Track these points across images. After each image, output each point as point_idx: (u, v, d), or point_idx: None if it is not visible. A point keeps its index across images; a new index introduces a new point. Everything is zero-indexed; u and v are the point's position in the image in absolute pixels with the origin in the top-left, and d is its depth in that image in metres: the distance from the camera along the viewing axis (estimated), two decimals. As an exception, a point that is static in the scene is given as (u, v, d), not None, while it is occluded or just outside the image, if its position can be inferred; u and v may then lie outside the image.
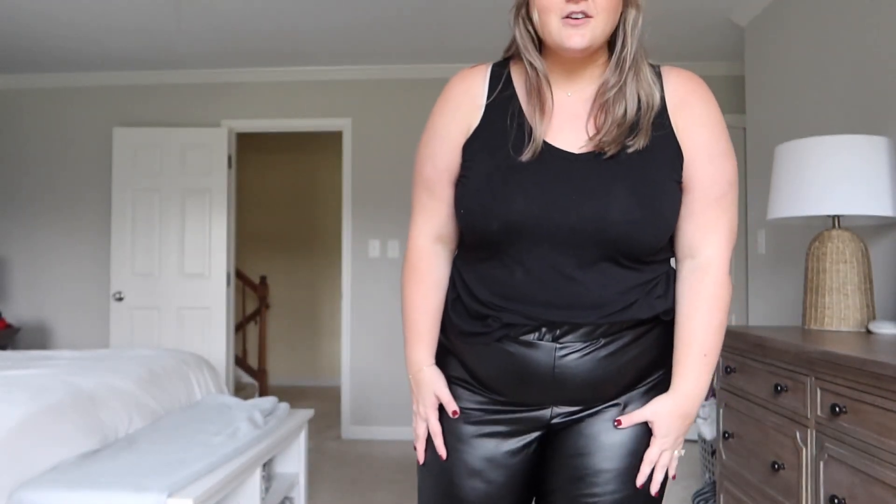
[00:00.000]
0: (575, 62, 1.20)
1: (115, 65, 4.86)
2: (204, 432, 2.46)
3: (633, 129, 1.17)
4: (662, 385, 1.25)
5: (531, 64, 1.19)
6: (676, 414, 1.21)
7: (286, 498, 2.95)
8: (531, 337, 1.19)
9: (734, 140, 4.82)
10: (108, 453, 2.15)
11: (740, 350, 2.42)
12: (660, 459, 1.21)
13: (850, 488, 1.74)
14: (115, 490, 1.84)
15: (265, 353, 6.48)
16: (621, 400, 1.25)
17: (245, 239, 6.90)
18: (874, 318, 2.32)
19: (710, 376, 1.22)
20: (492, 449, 1.27)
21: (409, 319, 1.33)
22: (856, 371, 1.71)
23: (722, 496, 2.58)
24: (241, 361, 6.20)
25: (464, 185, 1.22)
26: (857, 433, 1.71)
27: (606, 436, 1.23)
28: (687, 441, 4.82)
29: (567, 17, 1.12)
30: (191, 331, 4.82)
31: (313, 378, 7.17)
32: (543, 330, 1.19)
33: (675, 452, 1.23)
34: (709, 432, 3.38)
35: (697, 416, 3.42)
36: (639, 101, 1.19)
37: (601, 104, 1.19)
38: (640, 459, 1.22)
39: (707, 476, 3.52)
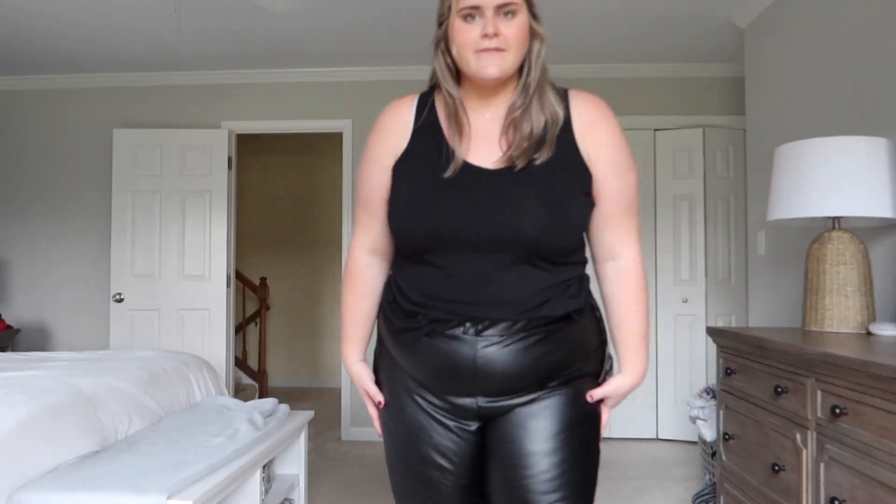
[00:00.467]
0: (489, 89, 1.37)
1: (116, 66, 4.87)
2: (204, 434, 2.45)
3: (539, 143, 1.33)
4: (581, 376, 1.42)
5: (449, 93, 1.37)
6: (628, 387, 1.46)
7: (286, 499, 2.95)
8: (456, 331, 1.33)
9: (735, 141, 4.82)
10: (107, 455, 2.15)
11: (740, 351, 2.42)
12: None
13: (851, 490, 1.73)
14: (114, 492, 1.84)
15: (265, 354, 6.48)
16: (542, 392, 1.38)
17: (245, 240, 6.89)
18: (874, 319, 2.32)
19: (648, 353, 1.46)
20: (437, 438, 1.41)
21: (344, 321, 1.54)
22: (856, 372, 1.71)
23: (722, 498, 2.58)
24: (241, 363, 6.20)
25: (394, 201, 1.39)
26: (858, 435, 1.71)
27: (533, 421, 1.37)
28: (687, 442, 4.84)
29: (482, 50, 1.30)
30: (191, 332, 4.82)
31: (313, 379, 7.16)
32: (467, 325, 1.33)
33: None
34: (709, 434, 3.38)
35: (698, 417, 3.42)
36: (545, 119, 1.35)
37: (510, 122, 1.35)
38: (565, 440, 1.38)
39: (707, 477, 3.52)
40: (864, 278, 2.31)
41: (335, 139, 5.38)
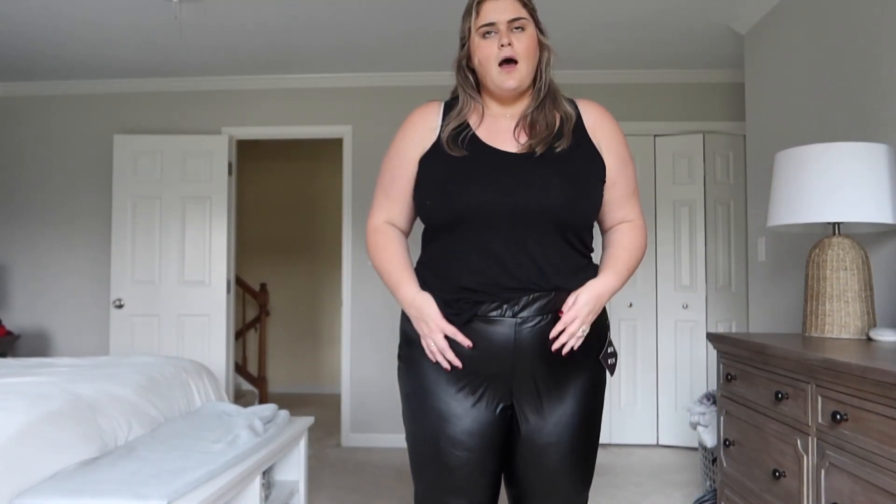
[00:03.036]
0: (508, 98, 1.62)
1: (116, 72, 4.88)
2: (204, 440, 2.45)
3: (558, 135, 1.57)
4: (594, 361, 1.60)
5: (472, 97, 1.62)
6: (593, 292, 1.52)
7: (286, 506, 2.94)
8: (495, 314, 1.50)
9: (735, 147, 4.83)
10: (107, 461, 2.15)
11: (741, 357, 2.42)
12: (571, 326, 1.49)
13: (852, 496, 1.73)
14: (114, 498, 1.83)
15: (265, 360, 6.47)
16: (564, 387, 1.56)
17: (245, 246, 6.90)
18: (875, 325, 2.32)
19: (623, 284, 1.59)
20: (469, 420, 1.53)
21: (389, 268, 1.61)
22: (857, 378, 1.70)
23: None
24: (240, 369, 6.19)
25: (427, 184, 1.58)
26: (859, 441, 1.71)
27: (556, 417, 1.56)
28: (688, 448, 4.83)
29: (502, 63, 1.54)
30: (191, 338, 4.82)
31: (313, 385, 7.16)
32: (505, 307, 1.50)
33: (582, 329, 1.51)
34: (710, 440, 3.37)
35: (698, 423, 3.41)
36: (559, 116, 1.60)
37: (526, 120, 1.60)
38: (581, 436, 1.58)
39: (708, 484, 3.51)
40: (865, 284, 2.31)
41: (335, 145, 5.39)
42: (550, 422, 1.56)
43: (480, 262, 1.51)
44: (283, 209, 7.21)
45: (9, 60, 4.59)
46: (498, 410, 1.56)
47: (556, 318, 1.51)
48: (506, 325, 1.50)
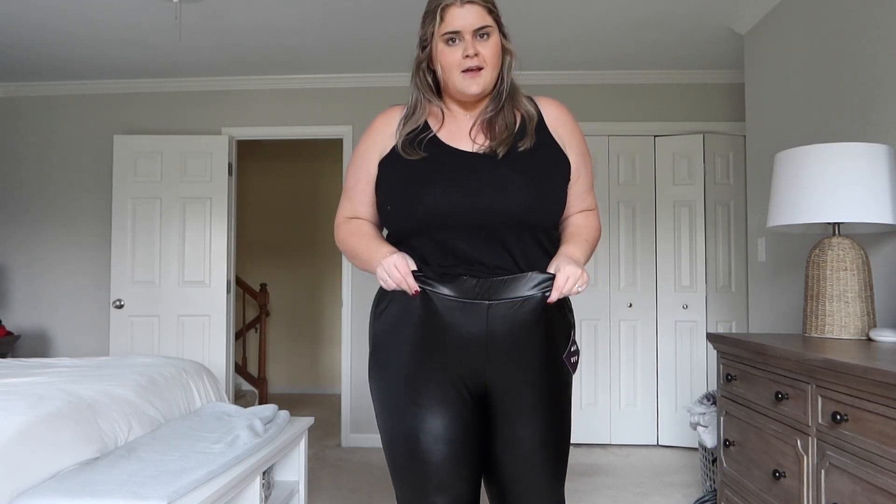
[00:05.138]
0: (470, 102, 1.61)
1: (116, 73, 4.88)
2: (204, 440, 2.45)
3: (521, 134, 1.57)
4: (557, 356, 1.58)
5: (428, 99, 1.61)
6: (564, 255, 1.54)
7: (286, 506, 2.94)
8: (468, 286, 1.49)
9: (735, 148, 4.83)
10: (107, 462, 2.15)
11: (741, 358, 2.42)
12: (566, 285, 1.48)
13: (852, 497, 1.73)
14: (114, 499, 1.83)
15: (265, 360, 6.47)
16: (537, 382, 1.54)
17: (245, 246, 6.90)
18: (875, 325, 2.32)
19: (585, 257, 1.61)
20: (446, 414, 1.52)
21: (362, 242, 1.61)
22: (857, 379, 1.70)
23: (723, 505, 2.57)
24: (241, 369, 6.19)
25: (387, 188, 1.58)
26: (859, 441, 1.71)
27: (532, 415, 1.54)
28: (688, 449, 4.83)
29: (465, 70, 1.53)
30: (191, 339, 4.82)
31: (313, 386, 7.15)
32: (476, 290, 1.49)
33: (577, 287, 1.50)
34: (710, 440, 3.37)
35: (698, 423, 3.41)
36: (520, 117, 1.60)
37: (483, 121, 1.60)
38: (556, 432, 1.57)
39: (708, 484, 3.51)
40: (865, 284, 2.31)
41: (335, 145, 5.38)
42: (527, 420, 1.54)
43: (447, 262, 1.51)
44: (283, 209, 7.20)
45: (9, 61, 4.59)
46: (472, 401, 1.55)
47: (525, 302, 1.50)
48: (478, 309, 1.48)
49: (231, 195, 4.94)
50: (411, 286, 1.48)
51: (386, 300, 1.59)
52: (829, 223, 2.39)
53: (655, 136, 4.91)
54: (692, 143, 4.84)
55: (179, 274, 4.84)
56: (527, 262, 1.52)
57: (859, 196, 2.24)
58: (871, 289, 2.33)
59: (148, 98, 5.08)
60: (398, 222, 1.56)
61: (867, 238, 2.69)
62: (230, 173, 4.93)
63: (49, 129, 5.12)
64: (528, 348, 1.52)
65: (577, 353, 1.62)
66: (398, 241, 1.58)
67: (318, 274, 7.17)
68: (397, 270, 1.47)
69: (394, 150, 1.59)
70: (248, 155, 6.66)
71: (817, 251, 2.38)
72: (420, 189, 1.50)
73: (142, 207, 4.85)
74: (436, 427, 1.51)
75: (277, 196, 7.21)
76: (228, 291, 4.89)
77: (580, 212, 1.68)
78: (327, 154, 6.81)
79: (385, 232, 1.66)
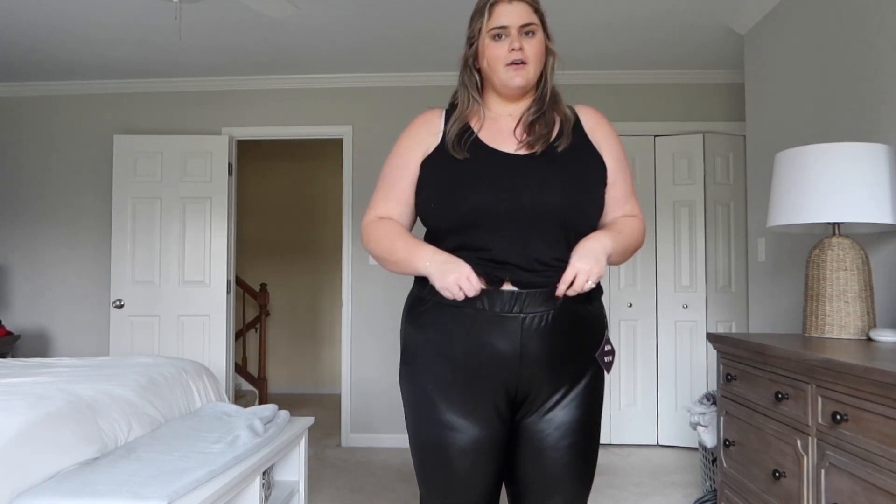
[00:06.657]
0: (512, 97, 1.64)
1: (116, 73, 4.88)
2: (204, 440, 2.45)
3: (559, 135, 1.60)
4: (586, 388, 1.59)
5: (474, 98, 1.65)
6: (582, 246, 1.51)
7: (286, 506, 2.94)
8: (502, 303, 1.49)
9: (735, 148, 4.83)
10: (107, 462, 2.15)
11: (741, 358, 2.42)
12: (577, 279, 1.48)
13: (852, 497, 1.73)
14: (114, 499, 1.83)
15: (265, 360, 6.47)
16: (566, 387, 1.56)
17: (245, 246, 6.90)
18: (875, 325, 2.32)
19: (614, 247, 1.56)
20: (476, 428, 1.54)
21: (399, 243, 1.58)
22: (857, 379, 1.70)
23: (723, 504, 2.57)
24: (241, 369, 6.19)
25: (431, 187, 1.58)
26: (859, 441, 1.71)
27: (558, 416, 1.56)
28: (688, 449, 4.83)
29: (510, 63, 1.57)
30: (191, 338, 4.82)
31: (313, 386, 7.15)
32: (513, 302, 1.49)
33: (589, 282, 1.49)
34: (710, 440, 3.37)
35: (698, 423, 3.41)
36: (559, 119, 1.63)
37: (526, 122, 1.62)
38: (583, 435, 1.57)
39: (708, 484, 3.51)
40: (865, 284, 2.31)
41: (335, 145, 5.39)
42: (553, 422, 1.55)
43: (483, 259, 1.51)
44: (283, 209, 7.20)
45: (9, 61, 4.59)
46: (504, 410, 1.56)
47: (559, 313, 1.51)
48: (513, 322, 1.49)
49: (231, 195, 4.94)
50: (469, 292, 1.47)
51: (422, 305, 1.60)
52: (829, 223, 2.38)
53: (655, 136, 4.91)
54: (692, 142, 4.84)
55: (179, 274, 4.84)
56: (556, 270, 1.51)
57: (859, 196, 2.24)
58: (871, 289, 2.33)
59: (148, 98, 5.08)
60: (440, 220, 1.57)
61: (867, 238, 2.69)
62: (230, 173, 4.93)
63: (49, 128, 5.12)
64: (561, 355, 1.54)
65: (611, 352, 1.62)
66: (435, 238, 1.59)
67: (318, 274, 7.16)
68: (471, 285, 1.45)
69: (437, 149, 1.61)
70: (248, 155, 6.66)
71: (817, 251, 2.38)
72: (466, 188, 1.52)
73: (142, 207, 4.85)
74: (464, 441, 1.53)
75: (277, 196, 7.21)
76: (228, 291, 4.89)
77: (621, 217, 1.67)
78: (327, 154, 6.82)
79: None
